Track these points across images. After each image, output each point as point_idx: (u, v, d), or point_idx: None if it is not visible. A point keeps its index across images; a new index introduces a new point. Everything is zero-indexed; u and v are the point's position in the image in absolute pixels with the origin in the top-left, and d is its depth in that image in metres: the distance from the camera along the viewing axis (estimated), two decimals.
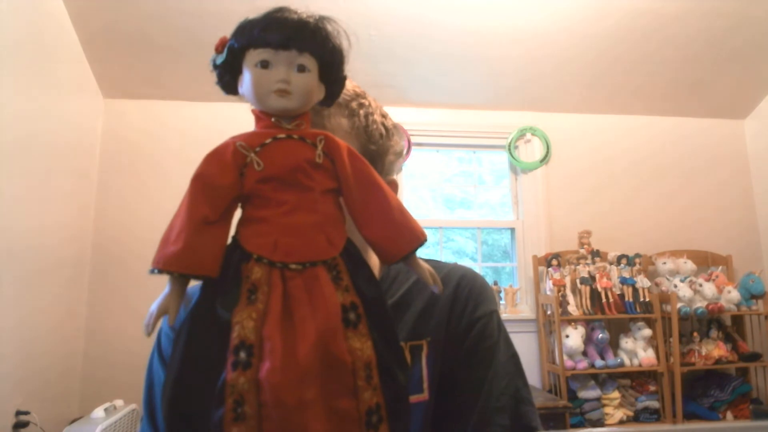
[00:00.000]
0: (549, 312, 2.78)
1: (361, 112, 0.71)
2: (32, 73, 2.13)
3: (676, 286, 2.76)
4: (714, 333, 2.76)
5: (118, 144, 2.79)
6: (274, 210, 0.47)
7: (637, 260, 2.87)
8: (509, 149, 3.07)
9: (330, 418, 0.43)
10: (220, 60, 0.50)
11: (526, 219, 3.06)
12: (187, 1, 2.35)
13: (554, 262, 2.82)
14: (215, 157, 0.48)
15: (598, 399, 2.63)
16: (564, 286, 2.74)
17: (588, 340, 2.68)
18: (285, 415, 0.42)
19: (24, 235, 2.09)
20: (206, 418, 0.42)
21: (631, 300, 2.74)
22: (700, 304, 2.70)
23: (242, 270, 0.46)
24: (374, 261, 0.75)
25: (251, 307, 0.44)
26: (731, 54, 2.85)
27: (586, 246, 2.89)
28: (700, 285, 2.77)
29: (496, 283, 2.94)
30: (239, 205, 0.49)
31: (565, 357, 2.60)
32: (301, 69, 0.49)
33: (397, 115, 2.82)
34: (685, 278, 2.82)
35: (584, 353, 2.67)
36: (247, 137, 0.49)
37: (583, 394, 2.62)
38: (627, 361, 2.67)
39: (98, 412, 2.18)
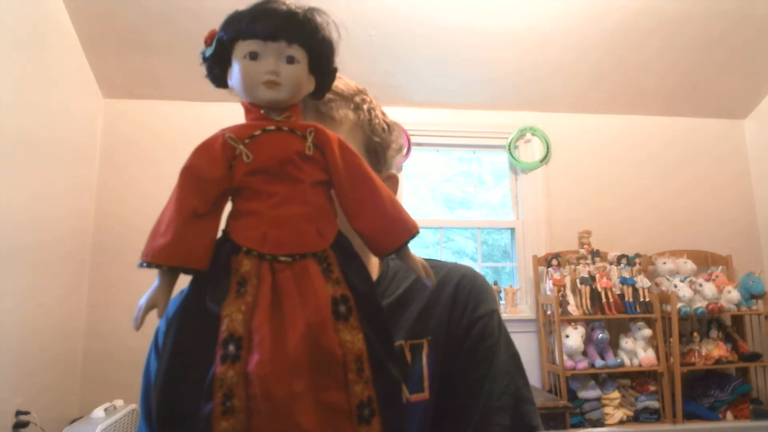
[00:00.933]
0: (549, 312, 2.77)
1: (365, 106, 0.72)
2: (32, 73, 2.14)
3: (676, 286, 2.75)
4: (714, 333, 2.75)
5: (118, 144, 2.79)
6: (264, 202, 0.47)
7: (637, 260, 2.86)
8: (509, 149, 3.06)
9: (320, 411, 0.43)
10: (209, 52, 0.50)
11: (526, 219, 3.06)
12: (187, 0, 2.35)
13: (554, 262, 2.81)
14: (204, 150, 0.48)
15: (598, 399, 2.62)
16: (564, 286, 2.73)
17: (588, 340, 2.68)
18: (274, 408, 0.41)
19: (24, 234, 2.09)
20: (197, 412, 0.42)
21: (631, 300, 2.73)
22: (700, 304, 2.70)
23: (232, 263, 0.46)
24: (374, 260, 0.75)
25: (240, 299, 0.44)
26: (731, 54, 2.85)
27: (586, 246, 2.88)
28: (700, 285, 2.76)
29: (496, 283, 2.94)
30: (230, 198, 0.49)
31: (565, 357, 2.59)
32: (290, 60, 0.48)
33: (397, 115, 2.86)
34: (685, 278, 2.81)
35: (584, 353, 2.66)
36: (236, 129, 0.49)
37: (583, 394, 2.62)
38: (627, 361, 2.66)
39: (98, 412, 2.18)
